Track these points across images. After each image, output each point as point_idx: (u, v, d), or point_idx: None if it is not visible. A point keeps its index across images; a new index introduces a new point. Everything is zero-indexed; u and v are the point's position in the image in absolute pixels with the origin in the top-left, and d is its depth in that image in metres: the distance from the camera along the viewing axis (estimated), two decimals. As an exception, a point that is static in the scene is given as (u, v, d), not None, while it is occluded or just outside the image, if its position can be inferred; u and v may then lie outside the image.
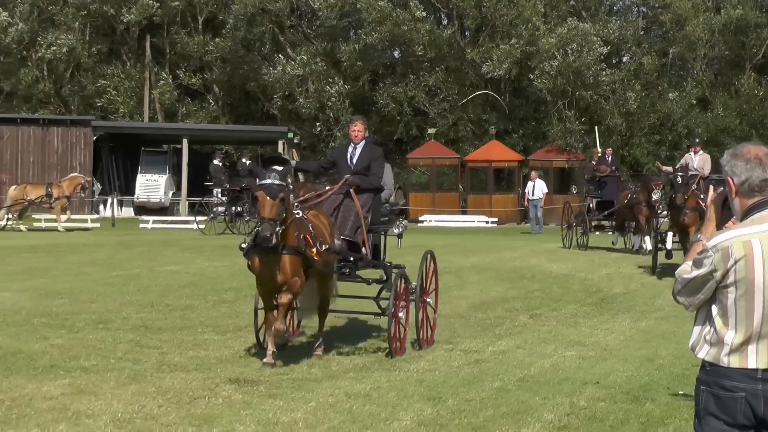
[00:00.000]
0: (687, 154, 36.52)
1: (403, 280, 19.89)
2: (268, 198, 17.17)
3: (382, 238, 22.20)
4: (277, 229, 17.24)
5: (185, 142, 75.50)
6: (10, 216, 55.16)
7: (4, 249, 42.41)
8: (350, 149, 20.71)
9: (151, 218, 66.30)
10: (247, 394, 15.50)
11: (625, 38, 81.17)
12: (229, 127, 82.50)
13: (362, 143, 20.67)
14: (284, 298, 17.82)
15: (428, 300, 20.91)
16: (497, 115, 79.56)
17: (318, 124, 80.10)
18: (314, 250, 18.04)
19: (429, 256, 21.37)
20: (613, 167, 44.13)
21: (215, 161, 57.14)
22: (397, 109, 79.07)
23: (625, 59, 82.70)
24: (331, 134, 79.73)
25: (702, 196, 32.54)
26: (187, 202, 73.94)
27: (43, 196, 55.53)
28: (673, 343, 20.90)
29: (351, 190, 19.91)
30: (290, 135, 74.41)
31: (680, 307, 23.45)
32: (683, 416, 14.51)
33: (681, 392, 16.00)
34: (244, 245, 18.30)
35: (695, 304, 7.83)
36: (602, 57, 75.65)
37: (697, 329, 7.88)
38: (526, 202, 60.80)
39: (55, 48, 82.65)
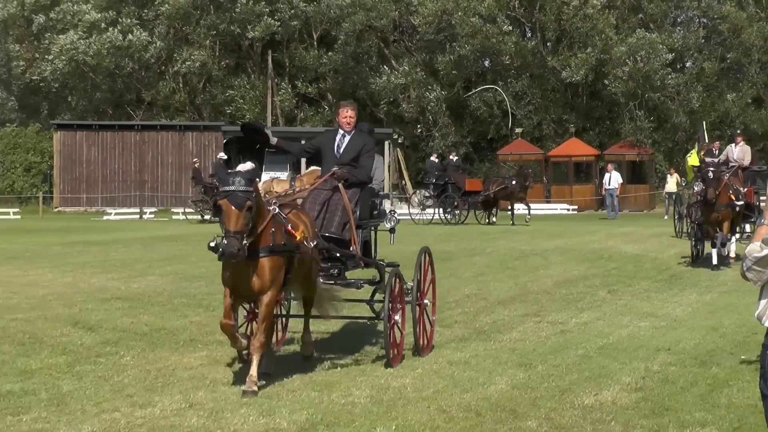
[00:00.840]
0: (729, 146, 33.27)
1: (398, 280, 16.43)
2: (233, 208, 13.38)
3: (381, 235, 19.03)
4: (245, 242, 13.54)
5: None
6: None
7: (149, 239, 42.74)
8: (338, 137, 17.08)
9: (275, 209, 66.50)
10: (361, 363, 15.55)
11: (688, 46, 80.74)
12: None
13: (353, 132, 17.11)
14: (265, 308, 14.09)
15: (426, 302, 17.27)
16: (576, 115, 79.47)
17: (419, 125, 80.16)
18: (297, 236, 14.42)
19: (425, 252, 17.70)
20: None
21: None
22: (487, 112, 79.05)
23: (688, 64, 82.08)
24: (430, 134, 79.81)
25: (736, 188, 29.51)
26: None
27: (286, 191, 55.78)
28: (735, 314, 20.74)
29: (340, 185, 16.38)
30: (395, 136, 74.43)
31: (741, 282, 23.08)
32: (745, 378, 14.40)
33: (743, 357, 15.88)
34: (213, 244, 14.06)
35: (763, 279, 7.81)
36: (668, 63, 75.47)
37: (763, 302, 7.86)
38: (603, 192, 60.81)
39: (189, 63, 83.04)
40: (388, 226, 18.04)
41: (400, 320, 16.04)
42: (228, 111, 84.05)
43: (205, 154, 75.00)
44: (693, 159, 40.01)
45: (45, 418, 12.07)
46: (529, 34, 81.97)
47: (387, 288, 15.75)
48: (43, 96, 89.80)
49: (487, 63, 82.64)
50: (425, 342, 16.84)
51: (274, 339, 16.24)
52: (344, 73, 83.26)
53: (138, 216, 67.08)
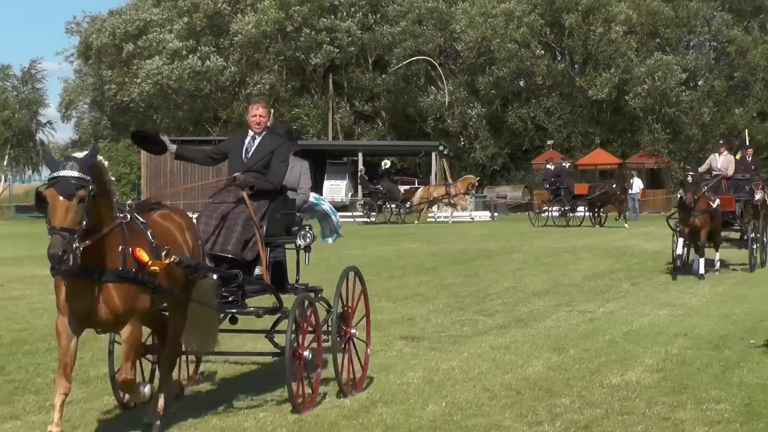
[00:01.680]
0: (712, 155, 29.27)
1: (308, 308, 12.27)
2: (60, 198, 9.50)
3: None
4: (76, 244, 9.41)
5: (360, 155, 75.93)
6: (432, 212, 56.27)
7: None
8: (247, 140, 13.33)
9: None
10: (414, 348, 15.57)
11: (700, 66, 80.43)
12: (393, 143, 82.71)
13: (263, 133, 13.27)
14: (126, 345, 10.18)
15: (353, 331, 13.14)
16: (600, 128, 79.29)
17: (462, 139, 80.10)
18: (156, 266, 9.97)
19: (351, 273, 13.31)
20: (753, 167, 32.16)
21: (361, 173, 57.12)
22: (522, 126, 79.03)
23: (699, 83, 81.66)
24: (472, 147, 79.82)
25: (712, 198, 26.10)
26: (363, 201, 74.36)
27: (443, 195, 56.37)
28: (744, 303, 20.70)
29: (243, 194, 12.45)
30: (441, 148, 74.36)
31: (749, 275, 22.96)
32: (755, 360, 14.38)
33: (752, 341, 15.85)
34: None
35: None
36: (682, 81, 75.22)
37: None
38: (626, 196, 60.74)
39: (259, 85, 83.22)
40: (300, 243, 13.37)
41: (310, 356, 11.93)
42: (294, 127, 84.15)
43: (274, 165, 75.13)
44: None
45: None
46: (559, 57, 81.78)
47: (290, 317, 11.77)
48: (131, 115, 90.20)
49: (521, 83, 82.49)
50: (353, 379, 12.87)
51: (179, 375, 12.61)
52: (396, 92, 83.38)
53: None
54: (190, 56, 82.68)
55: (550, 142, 76.82)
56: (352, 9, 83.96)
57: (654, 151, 74.31)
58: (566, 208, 51.31)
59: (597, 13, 77.14)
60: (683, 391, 12.45)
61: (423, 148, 78.73)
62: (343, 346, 12.82)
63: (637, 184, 59.61)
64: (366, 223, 54.96)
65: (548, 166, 56.62)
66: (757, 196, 29.70)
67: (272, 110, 13.96)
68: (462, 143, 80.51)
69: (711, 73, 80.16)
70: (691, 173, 26.23)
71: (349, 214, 67.73)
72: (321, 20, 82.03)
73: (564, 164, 56.14)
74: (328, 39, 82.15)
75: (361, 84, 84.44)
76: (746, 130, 45.57)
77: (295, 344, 11.60)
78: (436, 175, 74.09)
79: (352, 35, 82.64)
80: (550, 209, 52.03)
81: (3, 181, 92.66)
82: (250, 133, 13.16)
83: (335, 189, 75.06)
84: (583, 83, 77.80)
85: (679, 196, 27.73)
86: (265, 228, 12.39)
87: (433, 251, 33.83)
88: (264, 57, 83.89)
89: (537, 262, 29.56)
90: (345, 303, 13.04)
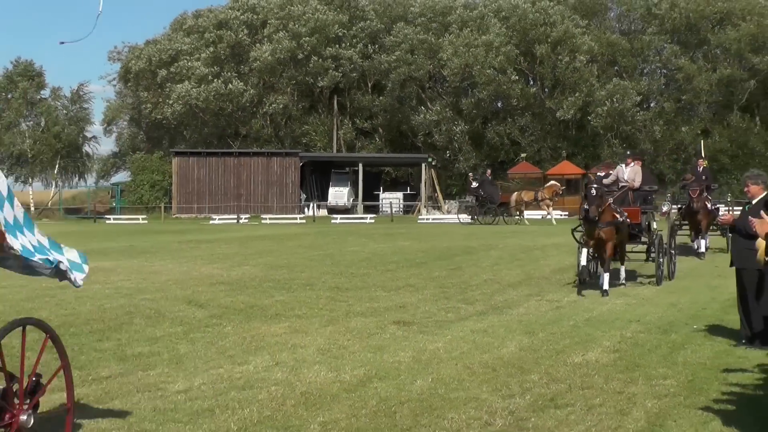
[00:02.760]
0: (619, 167, 24.63)
1: None
2: None
3: None
4: None
5: (360, 165, 76.01)
6: (518, 214, 56.05)
7: (244, 238, 42.84)
8: None
9: (339, 216, 66.79)
10: (405, 331, 15.51)
11: (652, 90, 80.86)
12: (389, 155, 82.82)
13: None
14: None
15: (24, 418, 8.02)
16: (567, 143, 79.49)
17: (447, 152, 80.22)
18: None
19: (23, 328, 8.66)
20: (704, 177, 30.13)
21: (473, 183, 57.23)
22: (500, 141, 79.20)
23: (652, 104, 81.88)
24: (456, 158, 79.92)
25: (618, 210, 22.02)
26: (362, 205, 74.44)
27: (532, 199, 56.44)
28: (689, 294, 20.66)
29: None
30: (429, 159, 74.49)
31: (694, 269, 22.82)
32: (697, 342, 14.38)
33: (695, 327, 15.85)
34: None
35: None
36: (636, 103, 75.65)
37: None
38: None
39: (274, 105, 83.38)
40: None
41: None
42: (304, 141, 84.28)
43: (287, 174, 75.43)
44: None
45: (167, 373, 12.13)
46: (531, 82, 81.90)
47: None
48: (164, 131, 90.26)
49: (499, 104, 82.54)
50: None
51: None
52: (391, 112, 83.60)
53: (236, 221, 67.27)
54: (215, 80, 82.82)
55: (523, 155, 77.41)
56: (354, 40, 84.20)
57: (613, 163, 74.39)
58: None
59: (564, 44, 77.56)
60: (636, 369, 12.43)
61: (414, 160, 78.94)
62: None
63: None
64: (470, 223, 55.24)
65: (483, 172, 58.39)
66: (664, 209, 28.82)
67: None
68: (447, 155, 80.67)
69: (662, 96, 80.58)
70: (594, 186, 21.59)
71: (353, 216, 67.97)
72: (327, 49, 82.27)
73: (600, 173, 56.35)
74: (334, 65, 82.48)
75: (361, 104, 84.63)
76: (701, 141, 44.42)
77: None
78: (425, 182, 74.14)
79: (354, 62, 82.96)
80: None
81: (54, 187, 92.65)
82: None
83: (339, 194, 75.28)
84: (552, 105, 78.09)
85: (584, 208, 21.48)
86: None
87: (422, 248, 33.79)
88: (278, 81, 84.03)
89: (512, 258, 29.50)
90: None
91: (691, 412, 10.07)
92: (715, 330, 15.49)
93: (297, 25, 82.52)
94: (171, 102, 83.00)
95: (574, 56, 76.83)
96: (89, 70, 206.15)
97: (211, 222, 66.54)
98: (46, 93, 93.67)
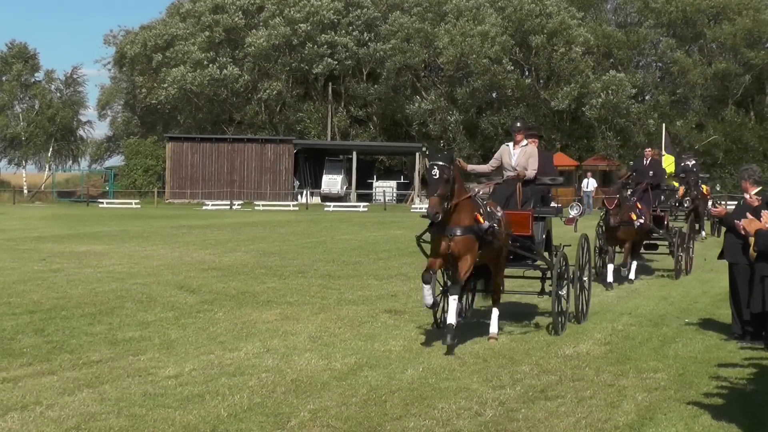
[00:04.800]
0: (505, 147, 15.86)
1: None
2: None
3: None
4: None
5: (354, 153, 75.97)
6: None
7: (237, 224, 42.84)
8: None
9: (332, 204, 66.81)
10: (397, 320, 15.54)
11: (647, 83, 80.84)
12: (383, 144, 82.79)
13: None
14: None
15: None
16: (561, 134, 79.49)
17: (442, 141, 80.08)
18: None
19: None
20: (650, 172, 24.55)
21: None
22: (494, 131, 78.97)
23: (647, 97, 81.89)
24: (451, 148, 79.78)
25: (487, 211, 14.35)
26: (355, 193, 74.46)
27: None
28: (680, 287, 20.72)
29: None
30: (423, 149, 74.42)
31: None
32: (688, 336, 14.42)
33: (686, 320, 15.88)
34: None
35: None
36: (631, 96, 75.53)
37: None
38: (581, 193, 61.28)
39: (268, 91, 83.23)
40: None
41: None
42: (298, 128, 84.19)
43: (281, 161, 75.47)
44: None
45: (157, 358, 12.14)
46: (527, 73, 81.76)
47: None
48: (158, 115, 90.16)
49: (494, 94, 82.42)
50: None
51: None
52: (386, 100, 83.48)
53: (228, 207, 67.24)
54: (210, 65, 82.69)
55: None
56: (350, 27, 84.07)
57: (606, 155, 74.77)
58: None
59: (560, 35, 77.41)
60: (626, 361, 12.46)
61: (408, 149, 78.94)
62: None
63: (591, 184, 60.13)
64: None
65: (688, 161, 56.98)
66: (572, 213, 17.72)
67: None
68: (442, 145, 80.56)
69: (656, 89, 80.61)
70: (437, 164, 13.12)
71: (346, 204, 68.05)
72: (323, 36, 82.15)
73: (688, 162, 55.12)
74: (329, 53, 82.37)
75: (356, 92, 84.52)
76: (663, 125, 43.65)
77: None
78: (419, 172, 74.11)
79: (350, 50, 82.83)
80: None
81: (47, 170, 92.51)
82: None
83: (332, 182, 75.27)
84: (547, 96, 78.01)
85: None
86: None
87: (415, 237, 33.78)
88: (273, 67, 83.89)
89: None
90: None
91: (681, 406, 10.09)
92: (706, 324, 15.52)
93: (292, 11, 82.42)
94: (166, 87, 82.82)
95: (570, 47, 76.75)
96: (84, 54, 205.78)
97: (204, 208, 66.48)
98: (40, 76, 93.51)
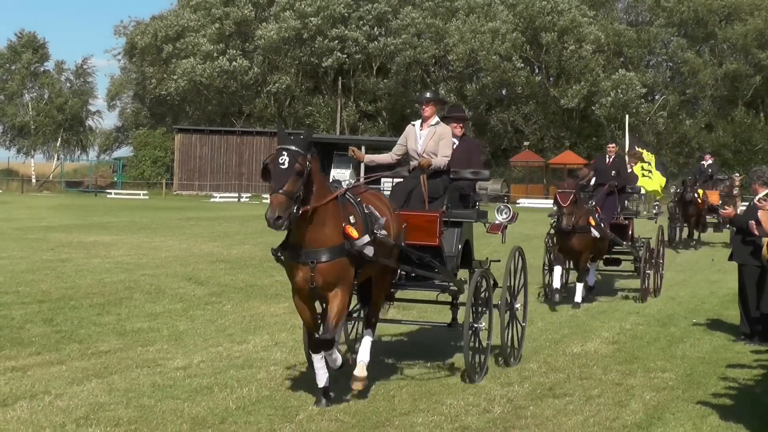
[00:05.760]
0: (411, 126, 12.35)
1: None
2: None
3: None
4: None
5: (363, 148, 75.71)
6: None
7: (245, 217, 42.88)
8: None
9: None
10: (405, 315, 15.36)
11: (657, 83, 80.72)
12: (392, 139, 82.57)
13: None
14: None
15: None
16: (570, 132, 79.43)
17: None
18: None
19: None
20: (612, 172, 20.15)
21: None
22: (503, 128, 79.04)
23: (656, 96, 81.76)
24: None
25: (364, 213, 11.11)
26: (363, 188, 74.45)
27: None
28: (688, 287, 20.71)
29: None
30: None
31: (693, 263, 22.90)
32: (696, 336, 14.42)
33: (694, 320, 15.88)
34: None
35: None
36: (641, 95, 75.43)
37: None
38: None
39: (278, 85, 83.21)
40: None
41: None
42: (307, 122, 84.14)
43: (289, 154, 75.38)
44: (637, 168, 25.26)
45: (166, 350, 12.18)
46: (537, 70, 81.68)
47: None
48: (168, 107, 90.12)
49: (503, 91, 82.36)
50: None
51: None
52: (395, 95, 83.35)
53: (237, 199, 67.29)
54: (220, 58, 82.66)
55: (526, 143, 77.38)
56: (361, 21, 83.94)
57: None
58: None
59: (570, 33, 77.34)
60: (634, 360, 12.47)
61: (417, 144, 78.79)
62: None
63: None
64: None
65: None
66: (500, 218, 13.09)
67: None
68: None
69: (666, 88, 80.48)
70: (285, 150, 10.05)
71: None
72: (333, 30, 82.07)
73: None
74: (339, 47, 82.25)
75: (365, 87, 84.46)
76: (626, 117, 39.48)
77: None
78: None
79: (360, 44, 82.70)
80: None
81: (56, 159, 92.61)
82: None
83: (340, 176, 75.19)
84: (557, 93, 77.93)
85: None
86: None
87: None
88: (283, 60, 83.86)
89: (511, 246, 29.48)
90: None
91: (690, 406, 10.10)
92: (714, 324, 15.53)
93: (303, 5, 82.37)
94: (175, 78, 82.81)
95: (580, 45, 76.68)
96: (94, 46, 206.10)
97: (212, 200, 66.54)
98: (50, 65, 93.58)
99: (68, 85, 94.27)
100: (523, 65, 77.77)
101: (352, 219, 9.53)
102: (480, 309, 11.62)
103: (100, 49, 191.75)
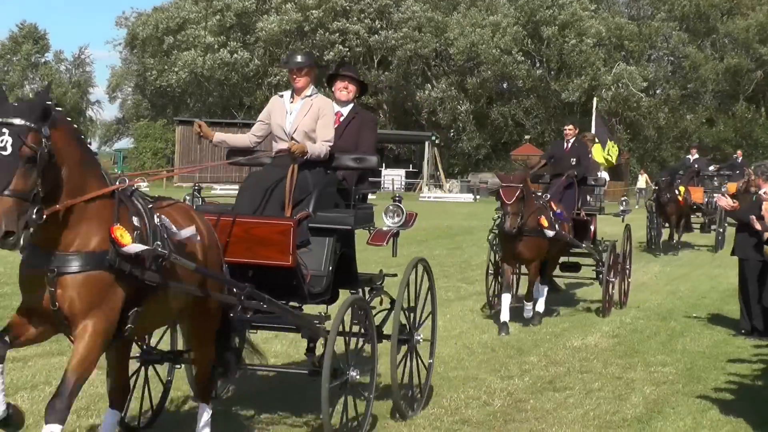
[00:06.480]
0: (276, 98, 9.23)
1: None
2: None
3: None
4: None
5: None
6: None
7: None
8: None
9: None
10: (406, 308, 15.43)
11: (658, 77, 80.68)
12: (393, 132, 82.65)
13: None
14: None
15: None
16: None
17: (452, 131, 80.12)
18: None
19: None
20: (572, 160, 17.03)
21: None
22: (504, 122, 79.05)
23: (657, 91, 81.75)
24: (460, 138, 79.84)
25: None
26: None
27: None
28: (689, 282, 20.73)
29: None
30: (433, 138, 74.26)
31: (693, 258, 22.92)
32: (696, 331, 14.43)
33: (694, 315, 15.88)
34: None
35: None
36: (642, 89, 75.38)
37: None
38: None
39: (279, 77, 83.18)
40: None
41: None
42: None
43: (289, 146, 75.39)
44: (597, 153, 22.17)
45: (166, 341, 12.13)
46: (537, 64, 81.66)
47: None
48: (168, 99, 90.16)
49: (504, 85, 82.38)
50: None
51: None
52: (396, 89, 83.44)
53: (236, 191, 67.31)
54: (221, 50, 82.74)
55: (527, 137, 77.35)
56: (362, 15, 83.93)
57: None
58: None
59: (571, 27, 77.30)
60: (634, 354, 12.48)
61: (418, 138, 78.80)
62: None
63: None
64: None
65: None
66: (389, 223, 8.80)
67: None
68: (451, 134, 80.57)
69: (667, 83, 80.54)
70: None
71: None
72: (334, 23, 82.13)
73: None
74: (340, 39, 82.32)
75: (366, 80, 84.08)
76: (595, 99, 34.31)
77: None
78: (428, 161, 74.07)
79: (361, 37, 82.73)
80: None
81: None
82: None
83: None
84: (557, 87, 77.92)
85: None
86: None
87: (423, 226, 33.69)
88: (284, 52, 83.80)
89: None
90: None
91: (690, 400, 10.10)
92: (714, 319, 15.53)
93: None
94: (176, 70, 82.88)
95: (581, 39, 76.65)
96: (95, 36, 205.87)
97: (212, 192, 66.49)
98: (50, 56, 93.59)
99: (67, 75, 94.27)
100: (523, 59, 77.78)
101: (135, 221, 6.38)
102: (357, 348, 8.51)
103: (101, 40, 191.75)
